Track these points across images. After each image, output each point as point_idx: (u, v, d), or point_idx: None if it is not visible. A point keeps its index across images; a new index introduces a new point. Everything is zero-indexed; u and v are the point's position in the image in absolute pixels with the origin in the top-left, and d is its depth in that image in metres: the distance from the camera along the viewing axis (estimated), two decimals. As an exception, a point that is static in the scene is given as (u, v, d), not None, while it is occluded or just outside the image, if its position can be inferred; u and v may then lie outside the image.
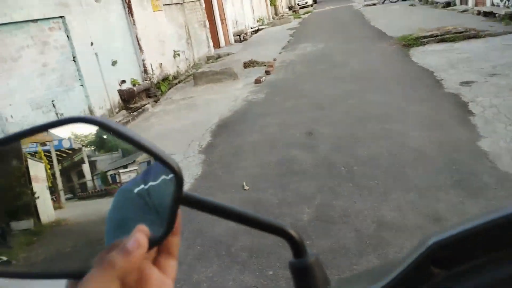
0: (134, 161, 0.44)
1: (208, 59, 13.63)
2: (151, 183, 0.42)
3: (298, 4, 36.62)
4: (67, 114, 6.81)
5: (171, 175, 0.38)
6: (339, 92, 6.92)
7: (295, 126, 5.59)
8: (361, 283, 0.41)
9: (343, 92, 6.84)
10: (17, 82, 5.86)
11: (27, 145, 0.43)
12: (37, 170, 0.43)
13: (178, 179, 0.36)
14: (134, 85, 8.81)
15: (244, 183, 4.09)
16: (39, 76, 6.35)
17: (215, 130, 6.11)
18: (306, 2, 36.77)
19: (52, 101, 6.52)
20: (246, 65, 10.84)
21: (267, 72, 9.63)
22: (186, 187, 4.26)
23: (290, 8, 37.17)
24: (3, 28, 5.76)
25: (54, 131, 0.41)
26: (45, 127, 0.38)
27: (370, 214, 3.18)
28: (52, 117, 6.46)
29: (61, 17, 6.93)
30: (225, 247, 3.08)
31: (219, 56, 13.92)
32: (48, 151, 0.44)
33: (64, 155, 0.45)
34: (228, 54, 14.11)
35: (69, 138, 0.43)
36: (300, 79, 8.62)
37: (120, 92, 8.45)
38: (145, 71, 9.34)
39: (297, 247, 0.41)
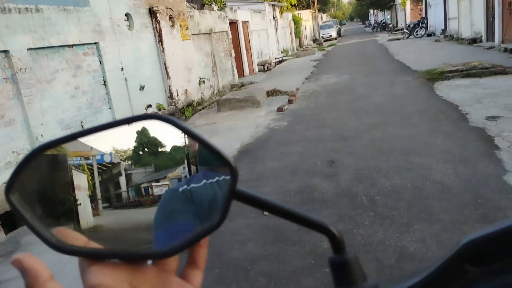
0: (166, 176, 0.48)
1: (232, 87, 13.91)
2: (193, 185, 0.46)
3: (322, 37, 37.24)
4: (94, 135, 7.01)
5: (222, 177, 0.42)
6: (362, 124, 6.92)
7: (317, 155, 5.59)
8: (398, 282, 0.43)
9: (366, 124, 6.83)
10: (49, 103, 6.12)
11: (72, 158, 0.47)
12: (80, 180, 0.47)
13: (234, 175, 0.40)
14: (159, 109, 9.04)
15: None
16: (71, 98, 6.62)
17: (236, 155, 6.16)
18: (331, 36, 37.38)
19: (81, 122, 6.75)
20: (269, 93, 11.00)
21: (290, 101, 9.74)
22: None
23: (314, 40, 37.81)
24: (41, 51, 6.07)
25: (105, 141, 0.45)
26: (120, 123, 0.42)
27: (392, 244, 3.12)
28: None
29: (95, 43, 7.26)
30: (243, 271, 3.05)
31: (242, 85, 14.19)
32: (91, 164, 0.49)
33: (104, 168, 0.49)
34: (251, 83, 14.37)
35: (110, 153, 0.48)
36: (322, 109, 8.67)
37: (146, 116, 8.67)
38: (171, 96, 9.60)
39: (337, 244, 0.43)
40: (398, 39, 25.58)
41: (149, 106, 8.87)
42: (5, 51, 5.40)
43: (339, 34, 42.72)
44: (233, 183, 0.40)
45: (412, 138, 5.77)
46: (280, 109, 8.94)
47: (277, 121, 8.06)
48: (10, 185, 0.38)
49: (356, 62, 16.37)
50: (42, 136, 5.87)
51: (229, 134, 7.65)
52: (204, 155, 0.45)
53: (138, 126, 0.44)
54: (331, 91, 10.69)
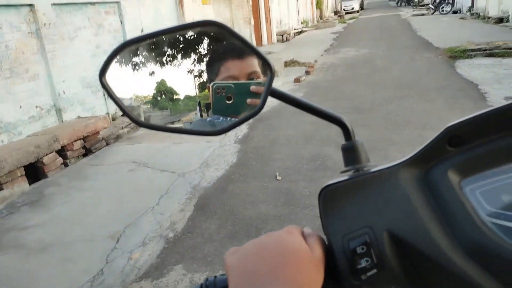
0: (180, 119, 0.59)
1: (250, 55, 13.81)
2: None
3: (344, 9, 36.28)
4: (114, 95, 7.14)
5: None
6: (379, 97, 6.90)
7: (331, 126, 5.61)
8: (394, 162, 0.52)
9: (383, 98, 6.82)
10: (71, 60, 6.23)
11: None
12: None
13: (272, 75, 0.50)
14: (177, 74, 9.11)
15: (277, 174, 4.21)
16: (92, 57, 6.71)
17: (251, 122, 6.24)
18: (353, 8, 36.34)
19: (101, 81, 6.86)
20: (287, 64, 10.94)
21: (307, 73, 9.69)
22: (220, 173, 4.44)
23: (335, 12, 36.90)
24: (64, 7, 6.13)
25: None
26: (186, 27, 0.54)
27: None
28: (100, 97, 6.82)
29: (116, 2, 7.27)
30: (255, 229, 3.20)
31: (260, 54, 14.07)
32: None
33: None
34: (269, 53, 14.24)
35: (130, 98, 0.58)
36: (340, 81, 8.63)
37: (164, 79, 8.77)
38: (189, 61, 9.62)
39: (348, 132, 0.54)
40: (422, 14, 24.83)
41: (167, 69, 8.93)
42: (30, 5, 5.47)
43: (361, 7, 41.52)
44: (271, 79, 0.51)
45: (428, 113, 5.76)
46: (297, 80, 8.92)
47: (293, 91, 8.07)
48: (103, 71, 0.50)
49: (377, 37, 16.04)
50: (64, 92, 6.02)
51: (245, 101, 7.70)
52: (218, 104, 0.56)
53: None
54: (349, 64, 10.58)
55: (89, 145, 5.59)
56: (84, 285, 2.70)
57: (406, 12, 28.54)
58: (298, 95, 7.71)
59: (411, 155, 0.47)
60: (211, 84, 0.57)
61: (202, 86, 0.58)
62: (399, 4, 43.83)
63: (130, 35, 7.56)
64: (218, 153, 5.08)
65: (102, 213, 3.78)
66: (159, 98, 0.57)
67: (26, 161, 4.61)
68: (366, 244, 0.43)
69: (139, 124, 0.53)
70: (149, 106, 0.57)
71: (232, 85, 0.57)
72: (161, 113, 0.58)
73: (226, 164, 4.68)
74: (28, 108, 5.42)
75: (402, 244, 0.43)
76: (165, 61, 0.56)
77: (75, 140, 5.36)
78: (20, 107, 5.28)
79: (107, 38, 7.10)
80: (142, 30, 7.95)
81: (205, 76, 0.58)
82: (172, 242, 3.12)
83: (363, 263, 0.43)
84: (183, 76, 0.57)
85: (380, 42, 14.24)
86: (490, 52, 9.38)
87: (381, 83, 7.89)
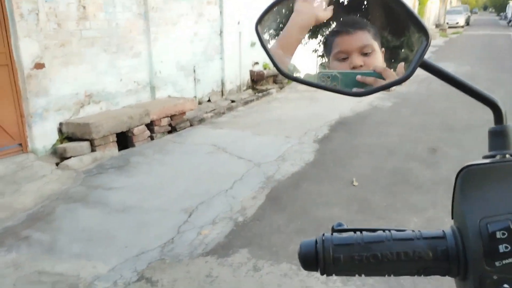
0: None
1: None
2: None
3: (447, 23, 34.05)
4: (203, 81, 7.46)
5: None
6: (475, 117, 6.36)
7: (418, 141, 5.32)
8: None
9: (480, 119, 6.26)
10: (171, 43, 6.61)
11: None
12: None
13: (428, 43, 0.47)
14: (265, 68, 9.24)
15: (354, 179, 4.06)
16: (189, 43, 7.06)
17: (333, 125, 6.12)
18: (457, 23, 33.96)
19: (194, 66, 7.20)
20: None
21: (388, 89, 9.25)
22: (295, 169, 4.40)
23: (437, 25, 34.80)
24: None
25: None
26: None
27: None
28: (190, 81, 7.16)
29: (219, -7, 7.57)
30: (323, 228, 3.11)
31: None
32: None
33: None
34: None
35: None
36: (433, 96, 8.11)
37: (251, 72, 8.95)
38: (278, 58, 9.69)
39: (500, 116, 0.49)
40: (538, 37, 22.42)
41: (256, 63, 9.09)
42: (143, -11, 5.90)
43: (467, 22, 38.62)
44: (425, 48, 0.47)
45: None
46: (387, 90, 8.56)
47: (382, 100, 7.76)
48: (260, 20, 0.52)
49: (482, 56, 14.82)
50: (160, 72, 6.41)
51: (329, 103, 7.57)
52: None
53: None
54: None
55: (175, 124, 5.89)
56: (155, 249, 2.85)
57: (519, 33, 25.99)
58: (387, 104, 7.42)
59: None
60: (317, 73, 0.57)
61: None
62: (510, 24, 40.05)
63: (227, 26, 7.84)
64: (296, 149, 5.05)
65: (179, 187, 3.95)
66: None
67: (119, 129, 4.99)
68: (508, 230, 0.41)
69: (285, 75, 0.55)
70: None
71: (338, 74, 0.55)
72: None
73: (303, 161, 4.64)
74: (127, 81, 5.85)
75: None
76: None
77: (163, 117, 5.69)
78: (121, 80, 5.72)
79: (205, 26, 7.41)
80: (238, 23, 8.19)
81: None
82: (241, 226, 3.16)
83: (502, 248, 0.40)
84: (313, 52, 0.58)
85: (485, 61, 13.13)
86: None
87: (479, 104, 7.25)
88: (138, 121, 5.23)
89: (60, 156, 4.60)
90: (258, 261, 2.69)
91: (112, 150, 4.91)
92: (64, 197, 3.78)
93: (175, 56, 6.73)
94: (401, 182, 4.07)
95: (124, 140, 5.20)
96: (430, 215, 3.33)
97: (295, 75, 0.56)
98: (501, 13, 64.91)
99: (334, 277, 2.34)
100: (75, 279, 2.56)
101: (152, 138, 5.52)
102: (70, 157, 4.54)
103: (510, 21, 41.17)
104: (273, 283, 2.49)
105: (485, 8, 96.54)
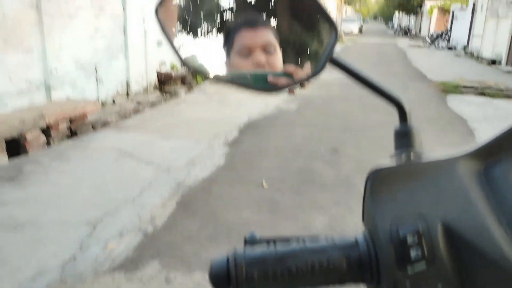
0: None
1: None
2: None
3: (343, 31, 36.79)
4: (106, 81, 7.02)
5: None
6: (369, 119, 6.97)
7: (321, 141, 5.65)
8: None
9: (373, 120, 6.88)
10: (68, 39, 6.09)
11: None
12: None
13: (336, 38, 0.48)
14: (172, 68, 9.03)
15: (264, 181, 4.17)
16: (89, 39, 6.58)
17: (243, 128, 6.21)
18: (351, 31, 36.97)
19: (95, 65, 6.74)
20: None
21: (302, 86, 9.74)
22: (206, 173, 4.37)
23: (334, 32, 37.31)
24: (69, -14, 6.01)
25: None
26: None
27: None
28: (93, 81, 6.69)
29: (122, -12, 7.19)
30: (235, 233, 3.14)
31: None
32: None
33: None
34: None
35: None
36: (333, 99, 8.70)
37: (158, 73, 8.67)
38: (186, 58, 9.54)
39: (404, 115, 0.50)
40: (418, 46, 25.36)
41: (163, 63, 8.84)
42: (35, -22, 5.35)
43: (360, 31, 42.21)
44: (334, 42, 0.48)
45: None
46: (291, 91, 8.95)
47: (287, 103, 8.10)
48: (160, 4, 0.50)
49: (373, 62, 16.28)
50: (56, 70, 5.87)
51: (238, 106, 7.67)
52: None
53: None
54: (344, 84, 10.66)
55: (75, 128, 5.45)
56: (54, 269, 2.59)
57: (403, 42, 29.12)
58: (292, 107, 7.74)
59: (472, 148, 0.44)
60: (228, 74, 0.56)
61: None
62: (396, 33, 44.73)
63: (131, 23, 7.48)
64: (206, 153, 5.01)
65: (81, 198, 3.67)
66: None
67: (8, 134, 4.46)
68: (418, 233, 0.40)
69: (186, 65, 0.53)
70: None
71: (249, 76, 0.54)
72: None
73: (213, 165, 4.62)
74: (18, 81, 5.26)
75: (457, 239, 0.40)
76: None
77: (62, 121, 5.23)
78: (10, 78, 5.12)
79: (107, 22, 6.99)
80: (143, 21, 7.87)
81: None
82: (151, 236, 3.04)
83: (412, 253, 0.40)
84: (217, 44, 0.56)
85: (376, 67, 14.45)
86: (482, 91, 9.60)
87: (373, 107, 7.96)
88: (32, 126, 4.73)
89: None
90: (170, 273, 2.61)
91: (0, 158, 4.37)
92: None
93: (74, 53, 6.23)
94: (307, 182, 4.28)
95: (15, 147, 4.66)
96: (333, 213, 3.56)
97: (202, 70, 0.55)
98: (389, 23, 72.12)
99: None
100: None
101: (49, 144, 5.04)
102: None
103: (396, 30, 45.98)
104: (186, 293, 2.43)
105: (375, 17, 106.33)
